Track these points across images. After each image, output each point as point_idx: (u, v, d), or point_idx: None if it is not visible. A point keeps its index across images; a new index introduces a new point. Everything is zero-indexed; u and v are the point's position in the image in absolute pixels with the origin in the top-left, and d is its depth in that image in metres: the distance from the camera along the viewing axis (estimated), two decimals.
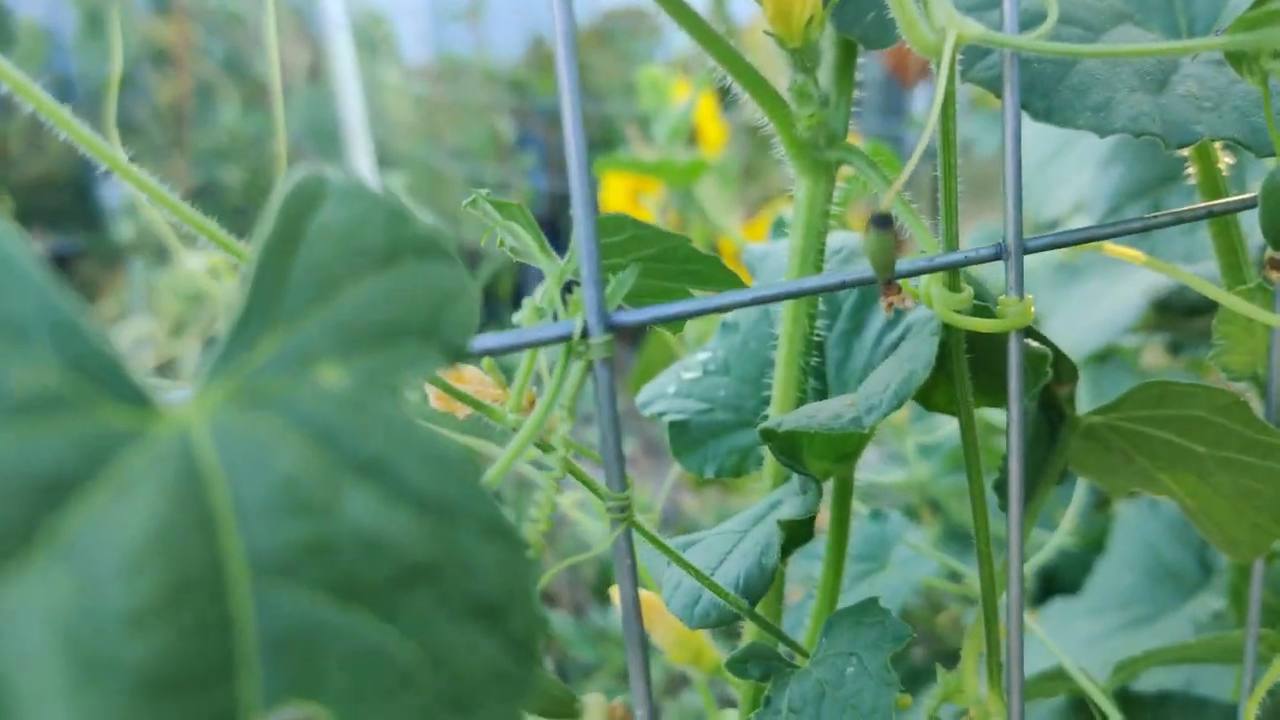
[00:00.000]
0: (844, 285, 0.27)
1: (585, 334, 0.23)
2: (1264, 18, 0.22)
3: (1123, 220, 0.31)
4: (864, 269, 0.35)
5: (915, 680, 0.89)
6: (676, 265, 0.27)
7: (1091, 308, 0.82)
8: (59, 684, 0.11)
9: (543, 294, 0.26)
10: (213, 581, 0.12)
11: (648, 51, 3.59)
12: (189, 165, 3.17)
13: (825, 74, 0.35)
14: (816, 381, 0.39)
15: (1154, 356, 1.02)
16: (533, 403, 0.27)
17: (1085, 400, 1.00)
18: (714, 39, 0.34)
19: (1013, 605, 0.31)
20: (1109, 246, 0.34)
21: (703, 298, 0.25)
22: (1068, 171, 0.74)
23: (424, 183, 3.06)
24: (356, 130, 2.33)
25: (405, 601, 0.13)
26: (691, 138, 1.37)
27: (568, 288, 0.26)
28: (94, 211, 3.86)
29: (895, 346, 0.37)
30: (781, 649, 0.35)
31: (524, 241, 0.27)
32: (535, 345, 0.24)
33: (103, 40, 3.09)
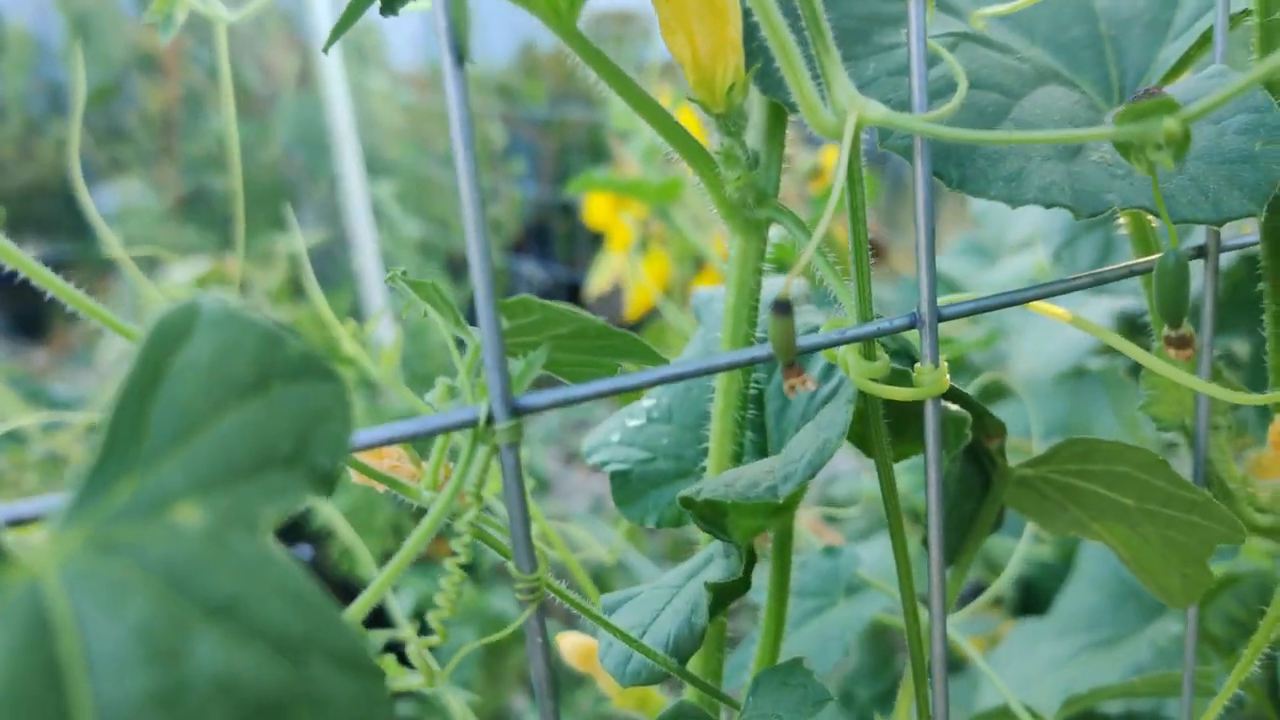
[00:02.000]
0: (754, 361, 0.27)
1: (490, 419, 0.24)
2: (1150, 108, 0.23)
3: (1041, 284, 0.31)
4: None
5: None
6: (591, 341, 0.27)
7: (1060, 327, 0.83)
8: None
9: (459, 374, 0.26)
10: None
11: (637, 55, 3.58)
12: (178, 173, 3.17)
13: (754, 135, 0.35)
14: (755, 434, 0.39)
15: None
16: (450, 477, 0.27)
17: (1062, 413, 1.00)
18: (645, 102, 0.34)
19: (936, 663, 0.32)
20: (1040, 305, 0.35)
21: (614, 378, 0.26)
22: None
23: (412, 190, 3.06)
24: (346, 137, 2.33)
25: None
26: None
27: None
28: (84, 220, 3.85)
29: (830, 398, 0.37)
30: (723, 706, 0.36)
31: (440, 319, 0.27)
32: (440, 432, 0.24)
33: (90, 48, 3.09)
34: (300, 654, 0.14)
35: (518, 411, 0.24)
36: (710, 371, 0.26)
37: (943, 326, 0.30)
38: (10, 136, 3.75)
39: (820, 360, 0.38)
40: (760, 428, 0.40)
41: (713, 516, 0.31)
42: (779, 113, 0.35)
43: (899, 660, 1.09)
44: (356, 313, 2.03)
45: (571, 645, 0.43)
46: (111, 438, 0.15)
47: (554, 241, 3.03)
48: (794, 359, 0.24)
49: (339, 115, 2.27)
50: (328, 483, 0.17)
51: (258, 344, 0.17)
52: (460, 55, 0.22)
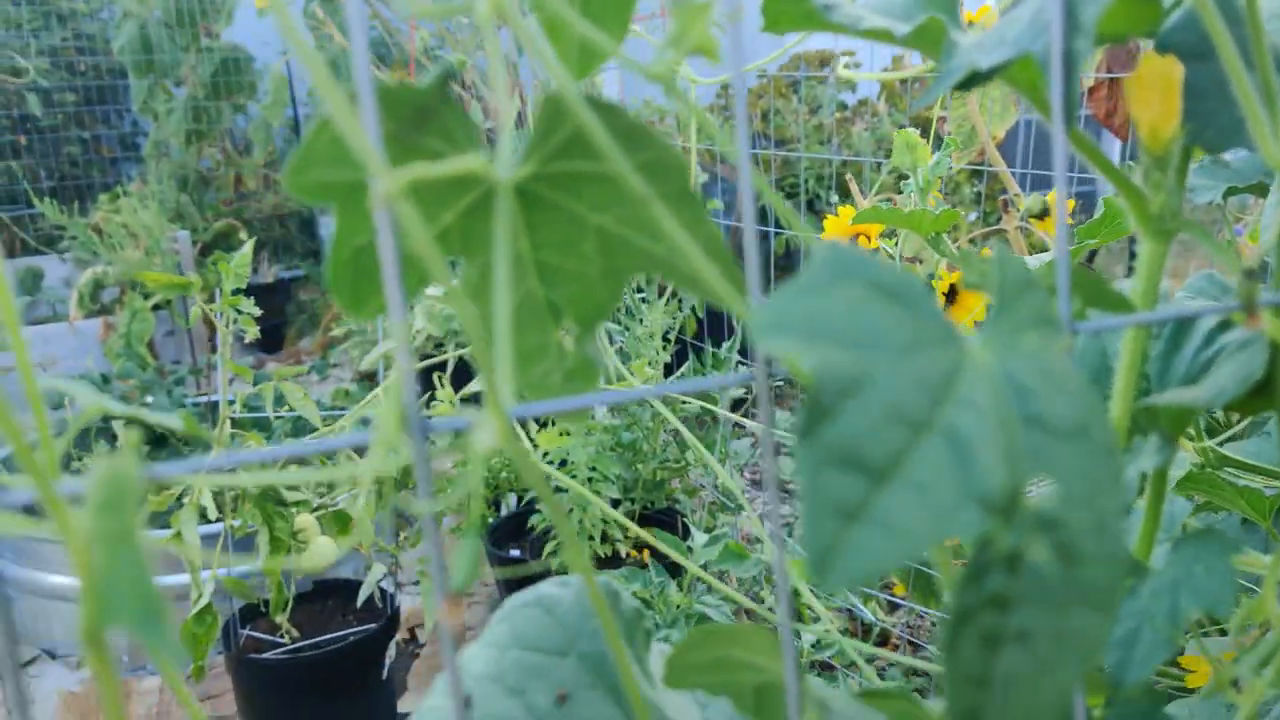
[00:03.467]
0: (1225, 309, 0.42)
1: None
2: None
3: None
4: (1187, 305, 0.49)
5: None
6: (1095, 301, 0.43)
7: None
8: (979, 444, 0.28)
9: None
10: (1011, 427, 0.30)
11: (833, 94, 3.73)
12: None
13: (1170, 169, 0.50)
14: (1143, 383, 0.54)
15: None
16: None
17: None
18: (1099, 157, 0.50)
19: None
20: None
21: (1120, 316, 0.41)
22: None
23: None
24: None
25: (1079, 437, 0.30)
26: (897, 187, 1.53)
27: None
28: (317, 242, 4.36)
29: (1209, 362, 0.52)
30: None
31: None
32: None
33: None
34: (1085, 401, 0.31)
35: (1074, 331, 0.40)
36: (1185, 316, 0.41)
37: None
38: (255, 166, 4.29)
39: (1202, 330, 0.52)
40: (1145, 378, 0.54)
41: (1153, 419, 0.46)
42: (1186, 153, 0.50)
43: None
44: None
45: None
46: (996, 305, 0.32)
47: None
48: (1255, 308, 0.39)
49: None
50: (1065, 333, 0.33)
51: (1022, 275, 0.33)
52: (1070, 120, 0.39)
